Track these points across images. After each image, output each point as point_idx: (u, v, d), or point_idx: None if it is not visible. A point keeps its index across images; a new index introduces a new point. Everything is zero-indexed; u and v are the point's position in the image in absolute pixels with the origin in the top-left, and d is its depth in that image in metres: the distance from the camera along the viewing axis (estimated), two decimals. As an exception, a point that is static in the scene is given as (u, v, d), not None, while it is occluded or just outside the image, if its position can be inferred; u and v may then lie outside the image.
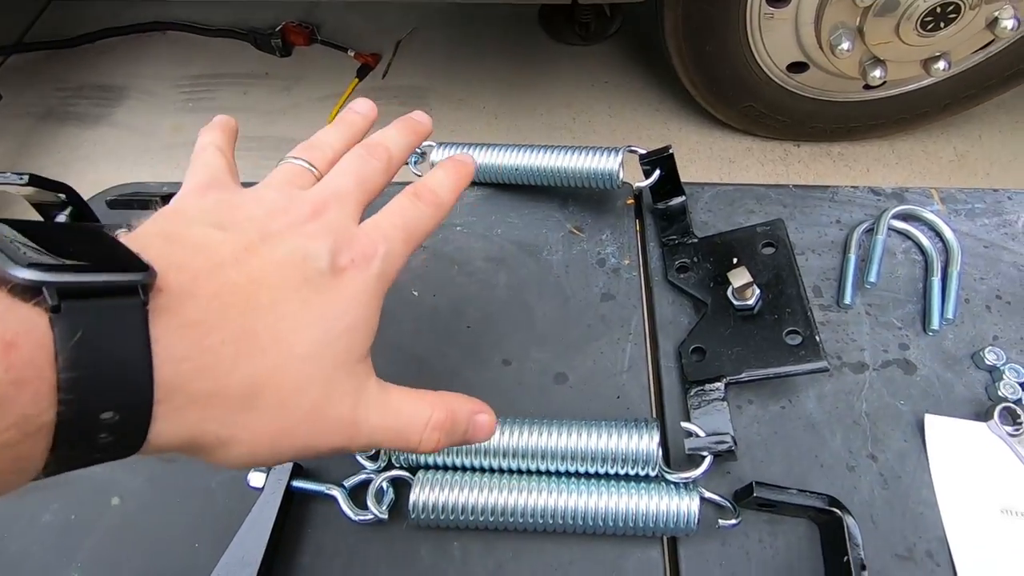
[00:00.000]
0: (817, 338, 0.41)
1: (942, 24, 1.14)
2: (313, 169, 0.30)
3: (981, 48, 1.28)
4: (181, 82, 1.82)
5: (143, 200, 0.43)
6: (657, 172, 0.49)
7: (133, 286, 0.20)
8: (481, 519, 0.38)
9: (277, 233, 0.26)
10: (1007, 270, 0.50)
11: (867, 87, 1.39)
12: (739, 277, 0.42)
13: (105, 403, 0.19)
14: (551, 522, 0.38)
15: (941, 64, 1.25)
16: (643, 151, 0.50)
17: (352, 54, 1.80)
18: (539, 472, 0.40)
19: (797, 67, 1.36)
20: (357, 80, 1.78)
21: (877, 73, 1.27)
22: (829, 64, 1.31)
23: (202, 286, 0.22)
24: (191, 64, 1.86)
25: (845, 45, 1.21)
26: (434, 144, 0.56)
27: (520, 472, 0.40)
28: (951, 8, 1.11)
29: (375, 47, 1.83)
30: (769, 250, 0.47)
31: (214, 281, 0.23)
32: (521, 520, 0.38)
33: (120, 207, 0.44)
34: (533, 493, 0.38)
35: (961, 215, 0.53)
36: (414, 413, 0.27)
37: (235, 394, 0.23)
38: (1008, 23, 1.14)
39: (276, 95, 1.79)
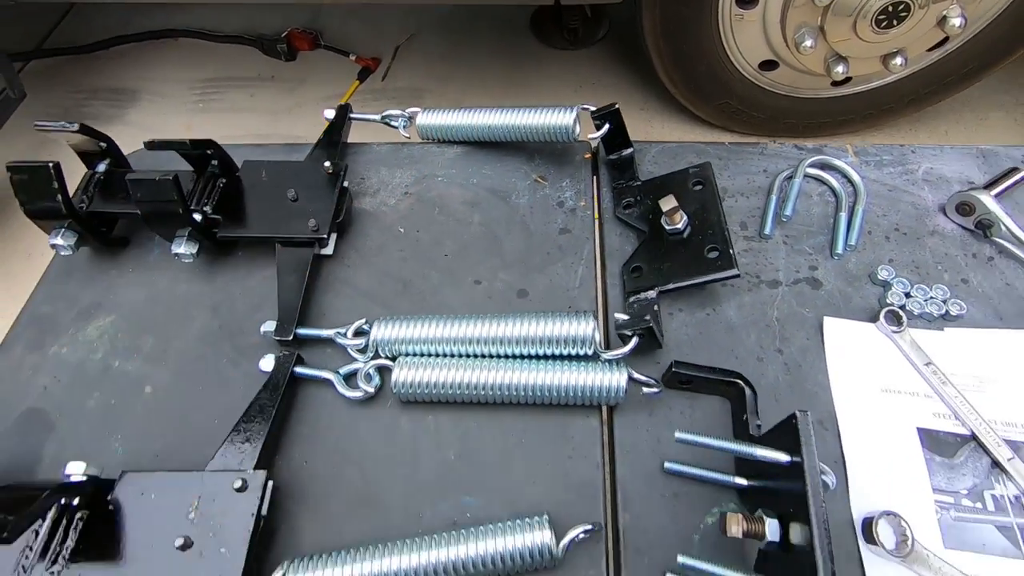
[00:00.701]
0: (731, 251, 0.50)
1: (895, 22, 1.24)
2: None
3: (936, 47, 1.38)
4: (192, 84, 1.92)
5: (176, 143, 0.53)
6: (607, 126, 0.58)
7: None
8: (451, 392, 0.46)
9: None
10: (906, 208, 0.59)
11: (835, 84, 1.48)
12: (668, 203, 0.51)
13: None
14: (509, 394, 0.46)
15: (898, 60, 1.35)
16: (594, 108, 0.59)
17: (353, 58, 1.90)
18: (500, 356, 0.48)
19: (768, 65, 1.46)
20: (358, 82, 1.89)
21: (840, 69, 1.37)
22: (796, 61, 1.41)
23: None
24: (201, 68, 1.96)
25: (808, 42, 1.31)
26: (419, 109, 0.65)
27: (485, 356, 0.48)
28: (902, 7, 1.20)
29: (375, 51, 1.94)
30: (698, 187, 0.55)
31: None
32: (484, 392, 0.46)
33: (157, 148, 0.53)
34: (494, 371, 0.46)
35: (871, 165, 0.62)
36: None
37: None
38: (956, 21, 1.24)
39: (281, 96, 1.89)
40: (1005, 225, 0.55)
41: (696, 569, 0.35)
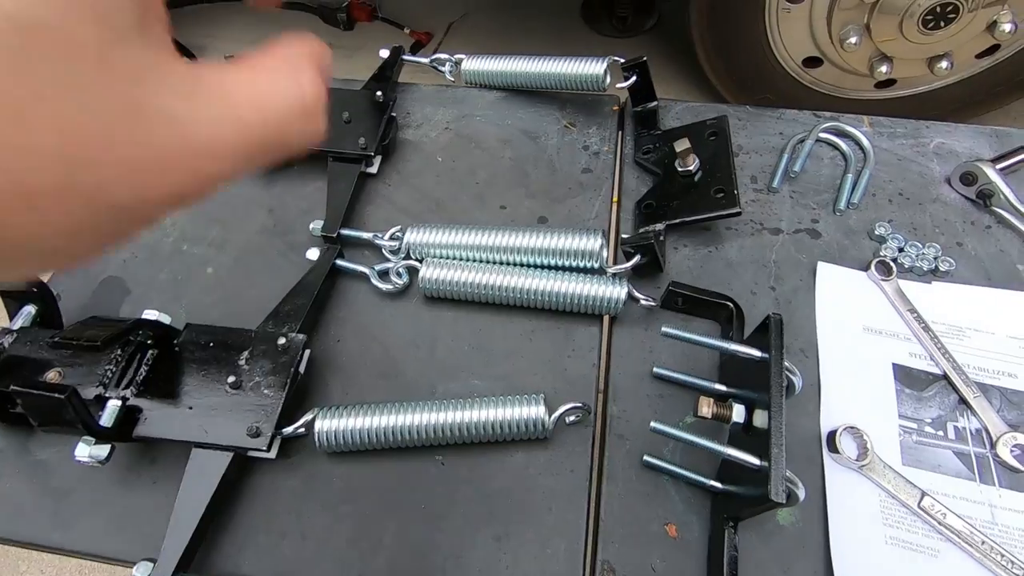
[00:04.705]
0: (735, 192, 0.54)
1: (942, 23, 1.24)
2: None
3: (986, 54, 1.37)
4: (255, 45, 2.03)
5: None
6: (634, 77, 0.63)
7: None
8: (470, 291, 0.52)
9: None
10: (912, 176, 0.62)
11: (878, 86, 1.49)
12: (681, 144, 0.56)
13: None
14: (521, 298, 0.52)
15: (944, 64, 1.35)
16: (624, 61, 0.64)
17: (407, 31, 1.98)
18: (518, 264, 0.54)
19: (812, 62, 1.47)
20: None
21: (883, 69, 1.38)
22: (840, 59, 1.42)
23: None
24: (265, 30, 2.08)
25: (853, 39, 1.32)
26: (464, 56, 0.71)
27: (503, 263, 0.54)
28: (950, 8, 1.21)
29: (429, 27, 2.02)
30: (713, 138, 0.60)
31: None
32: (500, 294, 0.52)
33: None
34: (510, 276, 0.52)
35: (884, 136, 0.65)
36: (276, 97, 0.19)
37: None
38: (1006, 26, 1.24)
39: (337, 63, 1.95)
40: (1005, 196, 0.57)
41: (668, 433, 0.40)
